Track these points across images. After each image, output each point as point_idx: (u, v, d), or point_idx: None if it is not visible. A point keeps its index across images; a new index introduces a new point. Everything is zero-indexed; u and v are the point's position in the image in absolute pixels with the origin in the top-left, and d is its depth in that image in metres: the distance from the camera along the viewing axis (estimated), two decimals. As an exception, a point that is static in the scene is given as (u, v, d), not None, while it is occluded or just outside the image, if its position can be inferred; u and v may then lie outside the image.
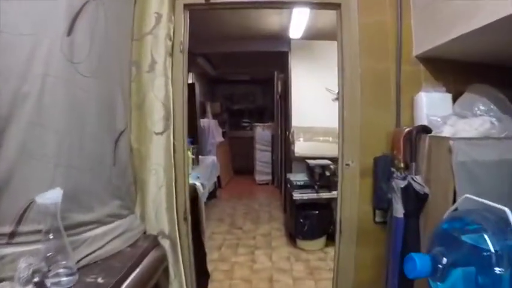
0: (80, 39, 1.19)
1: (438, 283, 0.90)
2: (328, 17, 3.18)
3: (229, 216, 4.68)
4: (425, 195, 1.40)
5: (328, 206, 3.55)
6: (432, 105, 1.56)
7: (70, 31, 1.15)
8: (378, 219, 1.71)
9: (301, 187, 3.49)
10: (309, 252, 3.37)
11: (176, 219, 1.66)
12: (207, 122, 6.64)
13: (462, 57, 1.63)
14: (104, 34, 1.31)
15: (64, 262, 1.03)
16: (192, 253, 1.81)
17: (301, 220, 3.44)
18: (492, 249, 0.80)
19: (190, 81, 6.52)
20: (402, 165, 1.51)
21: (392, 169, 1.56)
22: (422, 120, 1.56)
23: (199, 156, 5.15)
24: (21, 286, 0.94)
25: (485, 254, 0.81)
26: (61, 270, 1.03)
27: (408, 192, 1.42)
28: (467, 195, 1.01)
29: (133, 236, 1.47)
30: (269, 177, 6.85)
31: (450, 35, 1.36)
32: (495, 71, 1.62)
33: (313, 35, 3.80)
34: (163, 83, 1.58)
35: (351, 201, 1.71)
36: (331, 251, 3.25)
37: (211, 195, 5.26)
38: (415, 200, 1.41)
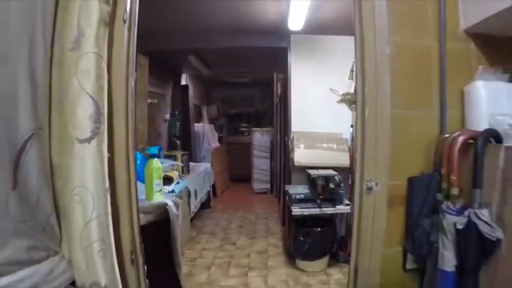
0: None
1: None
2: (333, 5, 2.70)
3: (223, 230, 4.44)
4: (496, 242, 0.88)
5: (331, 222, 3.33)
6: (494, 99, 1.03)
7: None
8: (409, 265, 1.17)
9: (301, 201, 3.13)
10: (310, 274, 3.09)
11: (117, 264, 1.14)
12: (202, 127, 6.35)
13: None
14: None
15: None
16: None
17: (301, 238, 3.16)
18: None
19: (183, 83, 6.13)
20: (456, 191, 0.97)
21: (439, 196, 1.04)
22: (479, 122, 1.04)
23: (191, 163, 4.79)
24: None
25: None
26: None
27: (468, 235, 0.89)
28: None
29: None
30: (267, 186, 6.56)
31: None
32: None
33: (316, 28, 3.33)
34: (92, 66, 1.08)
35: (373, 240, 1.13)
36: (334, 272, 3.11)
37: (205, 205, 5.14)
38: (478, 248, 0.88)
